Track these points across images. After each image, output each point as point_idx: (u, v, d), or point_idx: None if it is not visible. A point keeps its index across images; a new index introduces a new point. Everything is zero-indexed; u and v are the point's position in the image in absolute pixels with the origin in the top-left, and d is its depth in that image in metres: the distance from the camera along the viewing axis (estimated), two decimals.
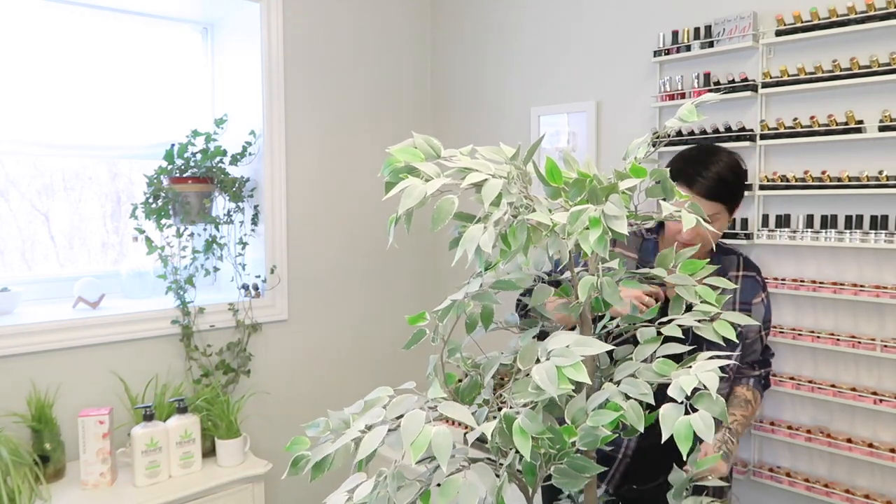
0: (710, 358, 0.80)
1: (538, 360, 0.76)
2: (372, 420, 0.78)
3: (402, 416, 0.74)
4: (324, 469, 0.80)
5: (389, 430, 0.76)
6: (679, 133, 2.22)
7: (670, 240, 1.62)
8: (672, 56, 2.25)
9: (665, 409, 0.73)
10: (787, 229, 2.03)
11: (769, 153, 2.11)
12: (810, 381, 2.00)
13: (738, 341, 1.59)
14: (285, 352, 2.66)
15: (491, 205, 0.73)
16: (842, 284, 1.93)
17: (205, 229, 2.47)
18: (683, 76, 2.26)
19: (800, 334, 2.01)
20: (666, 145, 2.24)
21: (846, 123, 1.91)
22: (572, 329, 1.36)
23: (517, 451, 0.73)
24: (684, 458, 0.74)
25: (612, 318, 1.24)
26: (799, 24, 1.97)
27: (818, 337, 1.98)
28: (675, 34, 2.26)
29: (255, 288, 2.54)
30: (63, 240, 2.50)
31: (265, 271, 2.58)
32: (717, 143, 2.17)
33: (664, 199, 0.87)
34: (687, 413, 0.73)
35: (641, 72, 2.38)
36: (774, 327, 2.07)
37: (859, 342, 1.90)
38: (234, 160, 2.49)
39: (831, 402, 1.99)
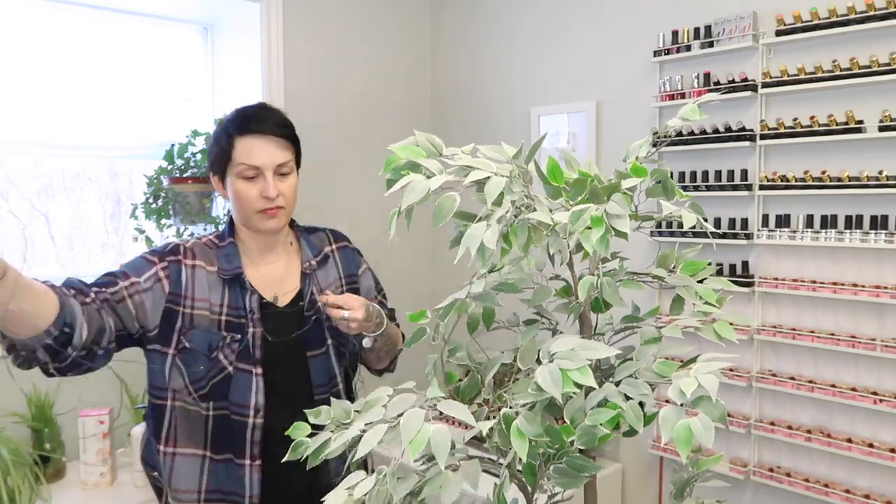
0: (711, 360, 0.80)
1: (539, 361, 0.76)
2: (372, 419, 0.78)
3: (401, 414, 0.75)
4: (319, 458, 0.81)
5: (389, 428, 0.76)
6: (679, 133, 2.22)
7: (249, 222, 1.41)
8: (672, 56, 2.25)
9: (665, 412, 0.72)
10: (787, 229, 2.03)
11: (769, 153, 2.11)
12: (810, 381, 2.00)
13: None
14: None
15: (493, 203, 0.73)
16: (842, 284, 1.93)
17: (205, 229, 2.47)
18: (683, 76, 2.26)
19: (800, 334, 2.01)
20: (666, 145, 2.24)
21: (846, 123, 1.91)
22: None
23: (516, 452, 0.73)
24: (683, 459, 0.74)
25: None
26: (799, 24, 1.97)
27: (818, 337, 1.98)
28: (675, 34, 2.26)
29: None
30: (63, 240, 2.50)
31: None
32: (720, 146, 2.17)
33: (665, 199, 0.87)
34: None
35: (641, 72, 2.38)
36: (774, 327, 2.07)
37: (859, 342, 1.90)
38: None
39: (831, 402, 1.99)
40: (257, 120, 1.40)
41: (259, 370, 1.38)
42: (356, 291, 1.54)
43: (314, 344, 1.45)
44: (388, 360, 1.57)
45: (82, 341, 1.18)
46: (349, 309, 1.33)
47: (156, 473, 1.43)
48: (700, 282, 0.93)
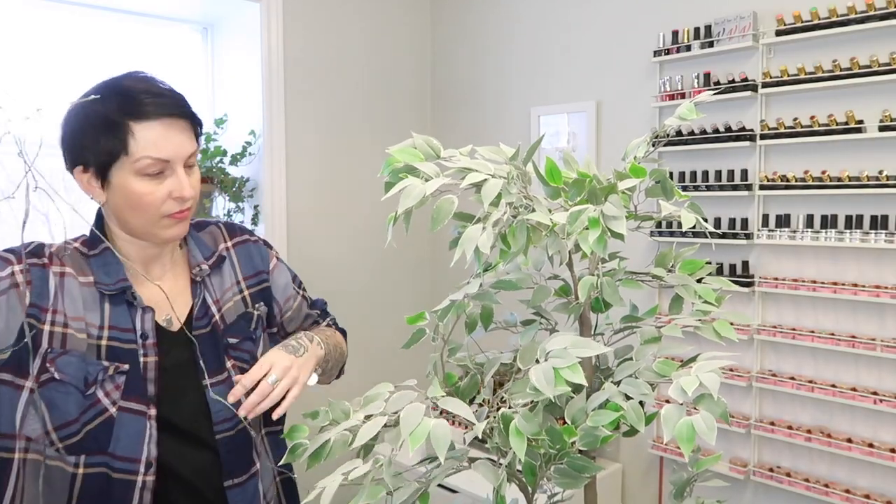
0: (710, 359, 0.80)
1: (537, 361, 0.76)
2: (371, 412, 0.78)
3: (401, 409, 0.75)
4: (321, 457, 0.81)
5: (388, 425, 0.76)
6: (679, 133, 2.22)
7: (148, 229, 1.10)
8: (672, 56, 2.25)
9: (666, 410, 0.72)
10: (787, 229, 2.03)
11: (769, 153, 2.11)
12: (810, 381, 2.00)
13: (258, 332, 1.22)
14: None
15: (490, 205, 0.73)
16: (842, 284, 1.93)
17: None
18: (683, 76, 2.26)
19: (800, 334, 2.01)
20: (665, 145, 2.24)
21: (846, 123, 1.91)
22: None
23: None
24: (686, 457, 0.74)
25: None
26: (799, 24, 1.97)
27: (818, 337, 1.98)
28: (675, 34, 2.26)
29: None
30: (63, 240, 2.50)
31: None
32: (720, 146, 2.16)
33: (664, 199, 0.87)
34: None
35: (641, 72, 2.38)
36: (774, 327, 2.07)
37: (859, 342, 1.90)
38: (234, 160, 2.49)
39: (831, 401, 1.99)
40: (154, 97, 1.09)
41: (153, 411, 1.06)
42: (267, 291, 1.26)
43: (211, 369, 1.12)
44: (336, 372, 1.36)
45: None
46: (292, 383, 1.05)
47: None
48: (699, 281, 0.93)
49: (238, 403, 1.07)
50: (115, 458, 1.04)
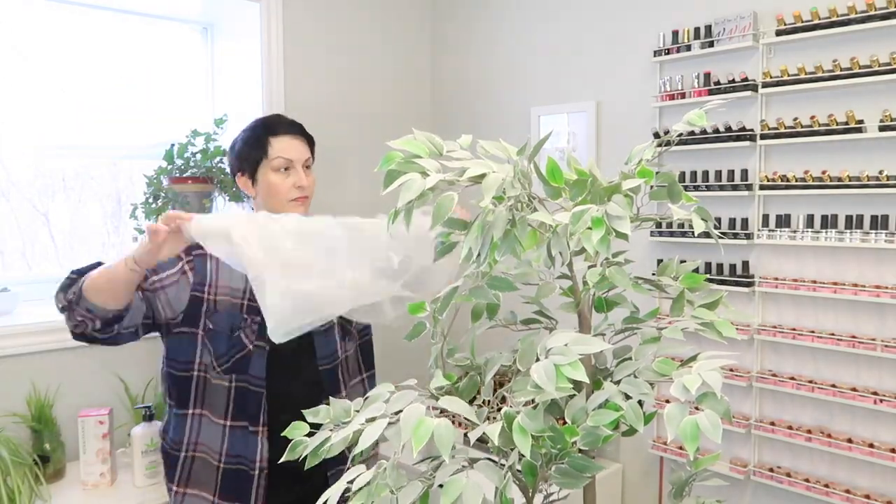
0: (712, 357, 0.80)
1: (538, 358, 0.76)
2: (373, 414, 0.78)
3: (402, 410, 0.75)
4: (320, 455, 0.81)
5: (390, 424, 0.76)
6: (679, 133, 2.22)
7: (281, 210, 1.60)
8: (672, 56, 2.25)
9: (669, 409, 0.72)
10: (787, 229, 2.03)
11: (769, 153, 2.11)
12: (810, 381, 2.00)
13: (355, 332, 1.79)
14: None
15: (493, 198, 0.73)
16: (842, 284, 1.93)
17: None
18: (683, 76, 2.26)
19: (800, 334, 2.01)
20: (665, 144, 2.24)
21: (846, 123, 1.91)
22: None
23: (518, 451, 0.73)
24: (690, 456, 0.74)
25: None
26: (799, 24, 1.97)
27: (819, 337, 1.98)
28: (675, 34, 2.26)
29: None
30: (63, 240, 2.50)
31: None
32: (720, 146, 2.17)
33: (671, 202, 0.87)
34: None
35: (641, 72, 2.38)
36: (774, 327, 2.07)
37: (860, 342, 1.90)
38: None
39: (831, 401, 1.99)
40: (285, 124, 1.68)
41: (268, 347, 1.59)
42: None
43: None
44: None
45: (132, 322, 1.48)
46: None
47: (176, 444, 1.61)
48: (713, 304, 0.93)
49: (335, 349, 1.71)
50: (252, 377, 1.58)
